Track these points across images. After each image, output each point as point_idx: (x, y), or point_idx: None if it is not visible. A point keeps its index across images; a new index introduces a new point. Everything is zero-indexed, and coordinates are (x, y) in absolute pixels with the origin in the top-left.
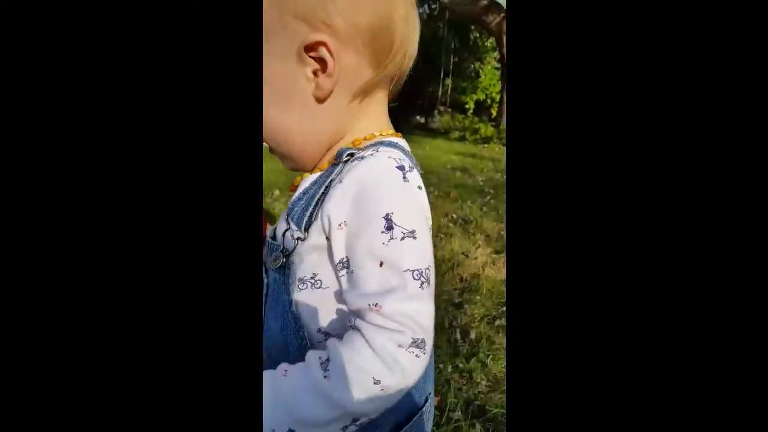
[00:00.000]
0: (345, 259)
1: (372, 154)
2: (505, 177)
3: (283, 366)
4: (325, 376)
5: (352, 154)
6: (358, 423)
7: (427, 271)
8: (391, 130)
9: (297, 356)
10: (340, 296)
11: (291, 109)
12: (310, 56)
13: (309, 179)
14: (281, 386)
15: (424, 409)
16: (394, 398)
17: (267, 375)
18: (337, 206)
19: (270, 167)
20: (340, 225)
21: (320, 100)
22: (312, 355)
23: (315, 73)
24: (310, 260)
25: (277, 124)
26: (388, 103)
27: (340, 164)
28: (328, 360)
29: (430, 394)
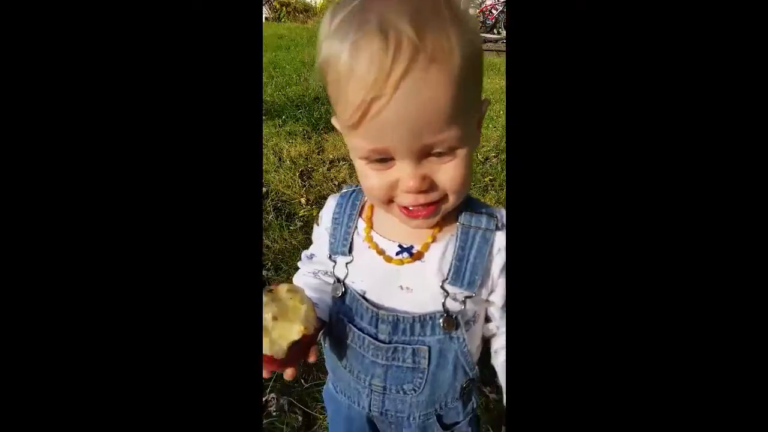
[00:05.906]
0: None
1: (497, 217)
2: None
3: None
4: None
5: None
6: None
7: None
8: None
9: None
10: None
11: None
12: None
13: (439, 246)
14: None
15: None
16: None
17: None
18: (499, 267)
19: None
20: (500, 275)
21: None
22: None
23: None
24: (472, 308)
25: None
26: None
27: (483, 228)
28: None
29: None
